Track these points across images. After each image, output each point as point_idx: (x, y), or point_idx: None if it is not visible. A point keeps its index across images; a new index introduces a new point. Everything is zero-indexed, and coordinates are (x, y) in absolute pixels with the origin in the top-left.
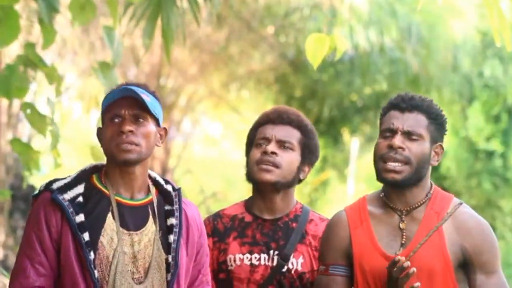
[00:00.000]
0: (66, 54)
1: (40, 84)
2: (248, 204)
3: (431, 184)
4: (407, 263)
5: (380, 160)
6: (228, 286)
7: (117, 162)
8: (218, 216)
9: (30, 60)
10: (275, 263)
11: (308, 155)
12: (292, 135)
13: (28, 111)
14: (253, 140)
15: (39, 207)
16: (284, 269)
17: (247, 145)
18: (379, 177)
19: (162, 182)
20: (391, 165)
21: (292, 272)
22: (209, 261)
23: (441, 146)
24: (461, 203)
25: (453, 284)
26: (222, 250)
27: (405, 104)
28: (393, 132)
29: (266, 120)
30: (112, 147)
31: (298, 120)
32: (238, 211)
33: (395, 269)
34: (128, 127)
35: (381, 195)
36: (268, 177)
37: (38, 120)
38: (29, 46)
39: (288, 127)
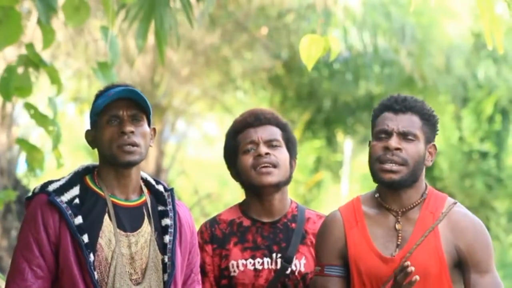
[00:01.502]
0: (59, 55)
1: (38, 84)
2: (243, 208)
3: (426, 185)
4: (411, 269)
5: (376, 161)
6: None
7: (118, 164)
8: (214, 222)
9: (31, 60)
10: (278, 266)
11: (292, 148)
12: (276, 133)
13: (32, 111)
14: (236, 148)
15: (36, 209)
16: (288, 271)
17: (228, 156)
18: (376, 178)
19: (153, 182)
20: (389, 165)
21: (296, 273)
22: (211, 268)
23: (434, 146)
24: (455, 203)
25: (448, 285)
26: (224, 256)
27: (398, 106)
28: (388, 133)
29: (244, 125)
30: (114, 149)
31: (274, 117)
32: (235, 216)
33: (401, 274)
34: (129, 128)
35: (375, 196)
36: (270, 179)
37: (40, 120)
38: (29, 46)
39: (269, 126)
